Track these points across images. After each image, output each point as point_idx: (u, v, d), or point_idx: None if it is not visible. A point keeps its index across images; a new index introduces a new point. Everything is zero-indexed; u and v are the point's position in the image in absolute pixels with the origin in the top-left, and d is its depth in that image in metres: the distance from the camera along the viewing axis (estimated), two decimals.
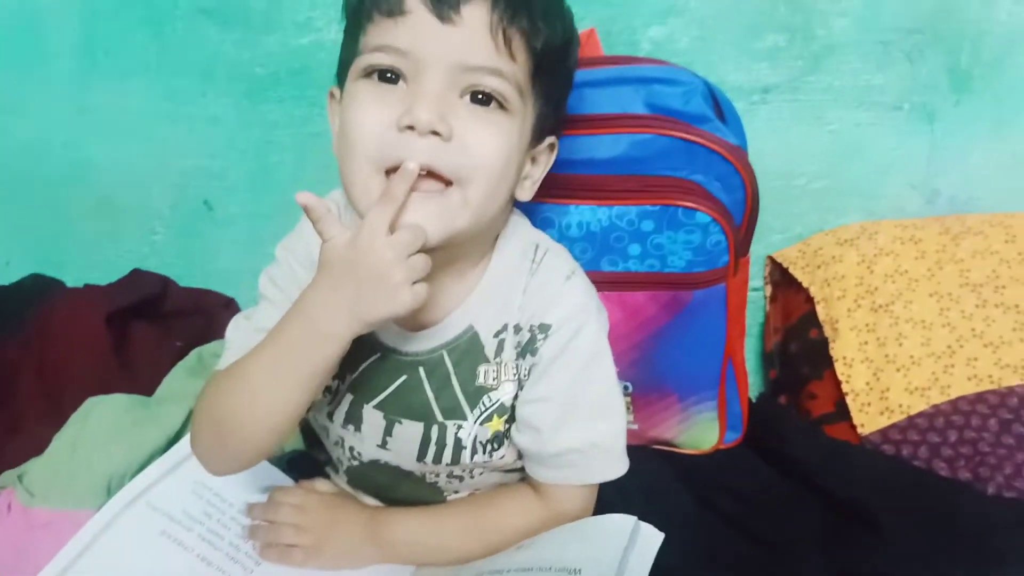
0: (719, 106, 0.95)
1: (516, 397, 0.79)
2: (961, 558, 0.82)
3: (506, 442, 0.81)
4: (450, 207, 0.67)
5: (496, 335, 0.78)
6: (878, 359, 1.03)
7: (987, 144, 1.17)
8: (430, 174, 0.66)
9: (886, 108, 1.16)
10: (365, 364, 0.79)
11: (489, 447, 0.80)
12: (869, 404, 1.01)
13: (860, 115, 1.17)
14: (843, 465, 0.97)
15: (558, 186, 0.87)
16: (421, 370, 0.78)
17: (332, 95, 0.75)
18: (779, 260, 1.18)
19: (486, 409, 0.79)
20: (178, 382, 1.08)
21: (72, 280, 1.33)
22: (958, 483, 0.93)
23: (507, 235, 0.79)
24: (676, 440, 1.05)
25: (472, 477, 0.84)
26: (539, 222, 0.87)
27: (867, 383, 1.02)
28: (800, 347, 1.13)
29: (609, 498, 0.81)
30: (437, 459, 0.80)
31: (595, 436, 0.78)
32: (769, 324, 1.21)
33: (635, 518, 0.75)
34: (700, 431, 1.04)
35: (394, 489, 0.85)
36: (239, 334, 0.77)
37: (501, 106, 0.68)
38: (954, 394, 0.98)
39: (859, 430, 1.01)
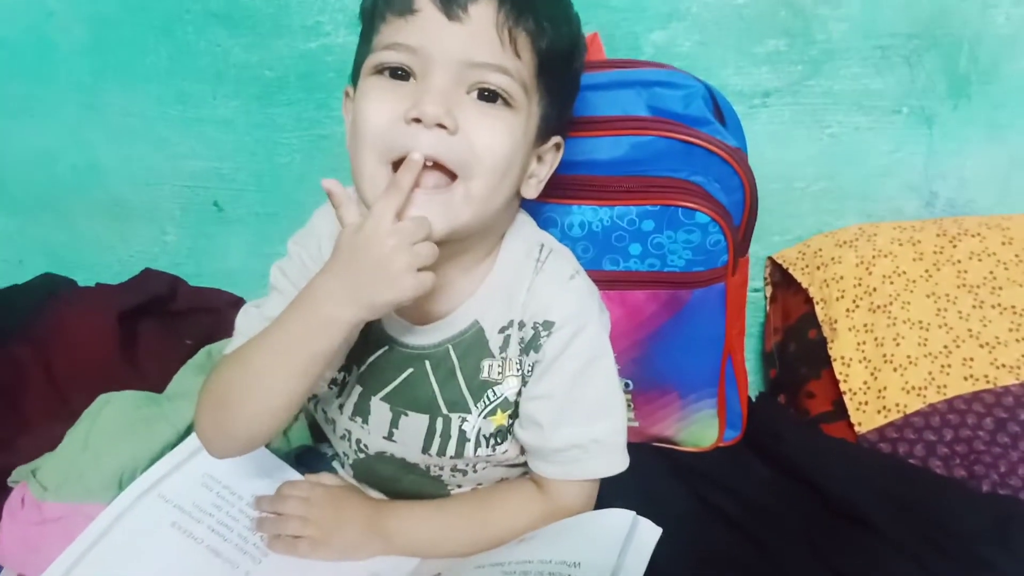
0: (719, 109, 0.96)
1: (519, 393, 0.81)
2: (955, 555, 0.84)
3: (509, 437, 0.83)
4: (453, 202, 0.69)
5: (501, 331, 0.79)
6: (876, 359, 1.04)
7: (984, 148, 1.18)
8: (436, 166, 0.68)
9: (885, 112, 1.17)
10: (373, 357, 0.81)
11: (492, 441, 0.82)
12: (866, 403, 1.02)
13: (859, 119, 1.18)
14: (840, 463, 0.97)
15: (561, 186, 0.88)
16: (427, 363, 0.80)
17: (347, 94, 0.78)
18: (779, 261, 1.19)
19: (490, 403, 0.80)
20: (187, 380, 1.09)
21: (84, 279, 1.35)
22: (952, 481, 0.94)
23: (513, 233, 0.81)
24: (676, 437, 1.06)
25: (475, 471, 0.85)
26: (542, 222, 0.89)
27: (864, 382, 1.03)
28: (799, 347, 1.14)
29: (607, 494, 0.83)
30: (442, 451, 0.81)
31: (596, 433, 0.79)
32: (769, 324, 1.22)
33: (633, 513, 0.77)
34: (700, 429, 1.05)
35: (399, 482, 0.86)
36: (248, 322, 0.80)
37: (506, 103, 0.70)
38: (950, 393, 0.99)
39: (856, 429, 1.02)
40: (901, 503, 0.89)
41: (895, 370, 1.02)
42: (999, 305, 1.03)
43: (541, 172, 0.79)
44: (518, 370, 0.80)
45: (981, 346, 1.01)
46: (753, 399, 1.14)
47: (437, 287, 0.72)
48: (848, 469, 0.96)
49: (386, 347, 0.81)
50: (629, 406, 1.02)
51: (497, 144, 0.70)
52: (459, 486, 0.87)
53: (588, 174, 0.92)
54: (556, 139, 0.79)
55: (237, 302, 1.31)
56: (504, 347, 0.80)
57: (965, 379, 1.00)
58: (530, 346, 0.79)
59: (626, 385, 0.99)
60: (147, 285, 1.28)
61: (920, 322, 1.04)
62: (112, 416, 0.97)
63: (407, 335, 0.80)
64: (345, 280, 0.68)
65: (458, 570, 0.77)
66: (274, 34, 1.22)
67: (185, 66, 1.26)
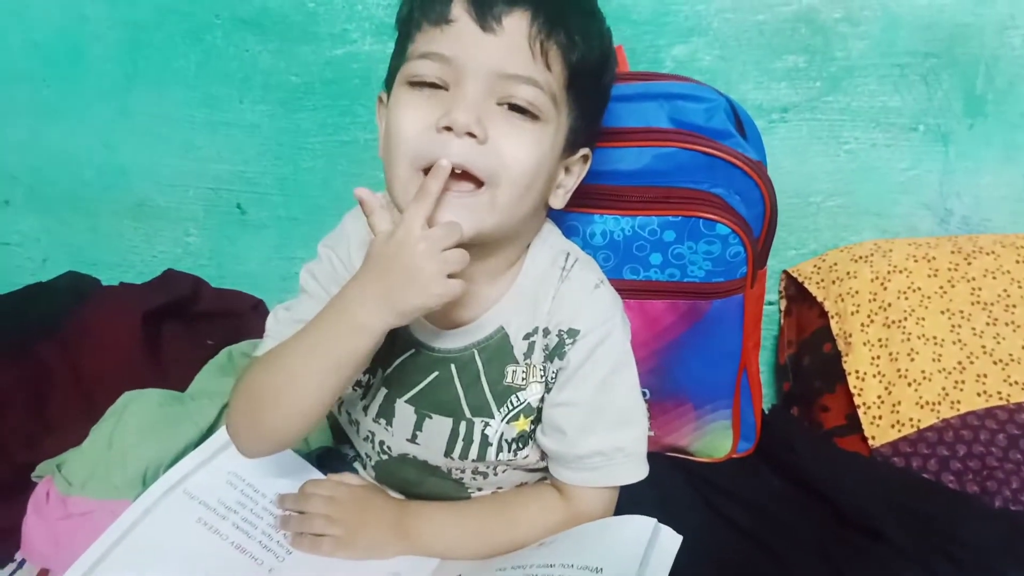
0: (740, 122, 0.97)
1: (542, 399, 0.82)
2: (969, 569, 0.84)
3: (531, 442, 0.84)
4: (479, 207, 0.71)
5: (526, 337, 0.81)
6: (890, 373, 1.05)
7: (999, 167, 1.19)
8: (464, 175, 0.70)
9: (901, 129, 1.18)
10: (399, 360, 0.83)
11: (515, 445, 0.83)
12: (880, 417, 1.03)
13: (876, 136, 1.19)
14: (854, 477, 0.98)
15: (583, 196, 0.89)
16: (452, 367, 0.81)
17: (381, 100, 0.79)
18: (794, 275, 1.20)
19: (513, 408, 0.82)
20: (209, 380, 1.11)
21: (107, 279, 1.36)
22: (965, 496, 0.94)
23: (539, 242, 0.83)
24: (690, 448, 1.07)
25: (496, 475, 0.86)
26: (565, 230, 0.90)
27: (879, 397, 1.04)
28: (813, 360, 1.15)
29: (624, 502, 0.84)
30: (464, 455, 0.82)
31: (619, 441, 0.80)
32: (783, 337, 1.23)
33: (655, 520, 0.77)
34: (714, 440, 1.06)
35: (420, 485, 0.88)
36: (278, 325, 0.82)
37: (535, 115, 0.71)
38: (964, 409, 1.00)
39: (870, 443, 1.02)
40: (914, 516, 0.90)
41: (909, 385, 1.03)
42: (1013, 323, 1.04)
43: (568, 183, 0.80)
44: (542, 377, 0.82)
45: (995, 363, 1.02)
46: (767, 412, 1.15)
47: (464, 293, 0.73)
48: (861, 482, 0.96)
49: (412, 350, 0.82)
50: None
51: (524, 155, 0.71)
52: (479, 489, 0.88)
53: (611, 184, 0.94)
54: (584, 151, 0.80)
55: (258, 304, 1.33)
56: (529, 353, 0.81)
57: (978, 395, 1.00)
58: (555, 353, 0.80)
59: (643, 394, 1.00)
60: (170, 286, 1.29)
61: (934, 338, 1.05)
62: (136, 414, 0.99)
63: (434, 339, 0.81)
64: (377, 286, 0.70)
65: (479, 572, 0.78)
66: (301, 41, 1.24)
67: (213, 71, 1.28)
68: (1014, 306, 1.05)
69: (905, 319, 1.07)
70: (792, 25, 1.15)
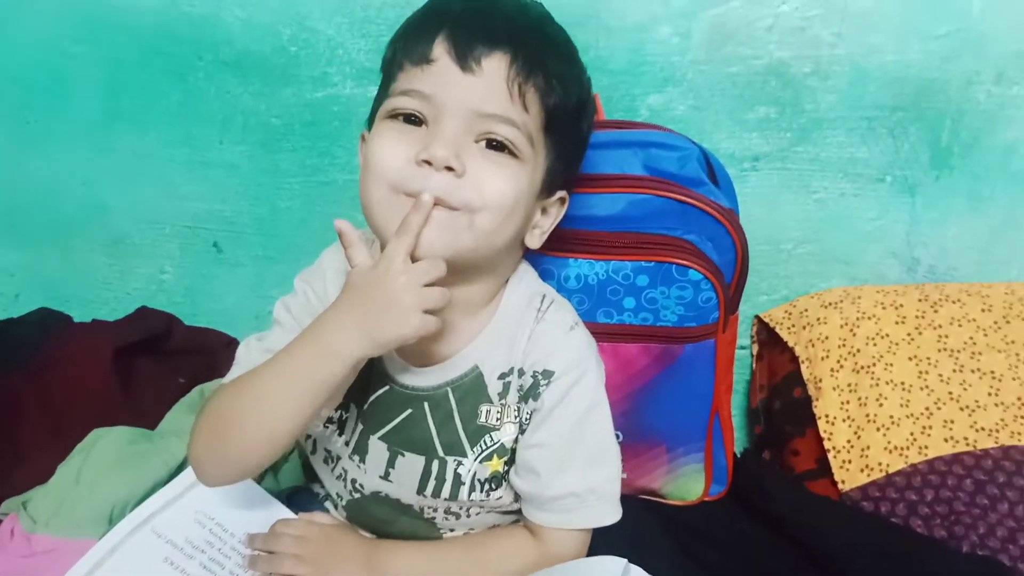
0: (713, 171, 0.99)
1: (516, 440, 0.82)
2: None
3: (504, 483, 0.84)
4: (455, 226, 0.71)
5: (501, 377, 0.81)
6: (859, 418, 1.06)
7: (965, 218, 1.22)
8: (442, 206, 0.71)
9: (869, 180, 1.21)
10: (373, 396, 0.83)
11: (488, 486, 0.83)
12: (850, 462, 1.04)
13: (844, 185, 1.22)
14: (824, 520, 0.99)
15: (559, 240, 0.91)
16: (426, 405, 0.81)
17: (363, 138, 0.80)
18: (766, 320, 1.22)
19: (486, 448, 0.82)
20: (180, 418, 1.10)
21: (80, 315, 1.35)
22: (934, 540, 0.95)
23: (516, 281, 0.84)
24: (663, 490, 1.07)
25: (468, 516, 0.86)
26: (540, 273, 0.90)
27: (848, 441, 1.05)
28: (784, 405, 1.16)
29: (596, 545, 0.84)
30: (436, 493, 0.82)
31: (592, 482, 0.81)
32: (755, 381, 1.24)
33: (625, 560, 0.77)
34: (686, 482, 1.06)
35: (392, 524, 0.87)
36: (249, 353, 0.82)
37: (512, 153, 0.73)
38: (931, 454, 1.01)
39: (840, 486, 1.03)
40: (886, 560, 0.91)
41: (878, 430, 1.04)
42: (979, 370, 1.06)
43: (545, 224, 0.82)
44: (516, 417, 0.82)
45: (961, 409, 1.03)
46: (738, 455, 1.16)
47: (439, 330, 0.74)
48: (833, 525, 0.97)
49: (387, 387, 0.82)
50: None
51: (502, 189, 0.72)
52: (452, 530, 0.88)
53: (586, 229, 0.95)
54: (561, 193, 0.82)
55: (231, 343, 1.32)
56: (503, 394, 0.81)
57: (945, 440, 1.02)
58: (529, 394, 0.80)
59: (616, 436, 1.01)
60: (144, 322, 1.28)
61: (902, 384, 1.06)
62: (104, 451, 0.98)
63: (407, 376, 0.82)
64: (354, 314, 0.70)
65: None
66: (282, 83, 1.25)
67: (194, 111, 1.28)
68: (980, 353, 1.07)
69: (874, 365, 1.08)
70: (763, 78, 1.18)
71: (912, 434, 1.03)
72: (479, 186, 0.71)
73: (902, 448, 1.02)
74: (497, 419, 0.82)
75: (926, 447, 1.02)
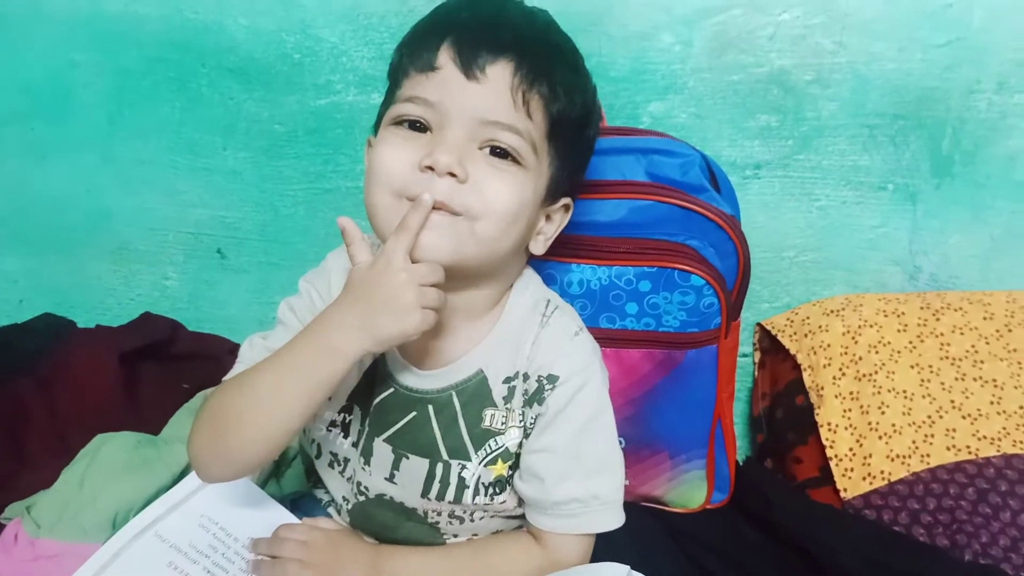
0: (715, 177, 1.00)
1: (521, 444, 0.83)
2: None
3: (508, 488, 0.84)
4: (459, 232, 0.72)
5: (506, 381, 0.81)
6: (861, 426, 1.06)
7: (966, 226, 1.22)
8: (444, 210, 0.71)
9: (871, 188, 1.21)
10: (378, 399, 0.83)
11: (492, 490, 0.83)
12: (852, 470, 1.04)
13: (846, 194, 1.22)
14: (826, 528, 0.98)
15: (562, 245, 0.91)
16: (430, 408, 0.82)
17: (369, 143, 0.81)
18: (768, 328, 1.22)
19: (491, 452, 0.82)
20: (183, 423, 1.10)
21: (83, 321, 1.36)
22: (936, 549, 0.95)
23: (520, 287, 0.84)
24: (665, 497, 1.07)
25: (472, 520, 0.86)
26: (543, 278, 0.90)
27: (850, 449, 1.05)
28: (786, 413, 1.16)
29: (599, 551, 0.84)
30: (440, 496, 0.82)
31: (596, 488, 0.81)
32: (757, 389, 1.24)
33: (628, 567, 0.78)
34: (688, 490, 1.06)
35: (396, 529, 0.87)
36: (252, 351, 0.83)
37: (516, 160, 0.73)
38: (933, 463, 1.01)
39: (842, 495, 1.03)
40: (888, 569, 0.91)
41: (880, 438, 1.04)
42: (980, 378, 1.06)
43: (549, 230, 0.82)
44: (520, 422, 0.82)
45: (963, 417, 1.03)
46: (740, 463, 1.16)
47: (444, 333, 0.74)
48: (836, 534, 0.97)
49: (391, 390, 0.83)
50: None
51: (507, 193, 0.73)
52: (455, 536, 0.88)
53: (588, 235, 0.96)
54: (565, 200, 0.82)
55: (235, 349, 1.32)
56: (508, 398, 0.82)
57: (948, 449, 1.02)
58: (534, 399, 0.81)
59: (619, 442, 1.01)
60: (147, 328, 1.29)
61: (904, 392, 1.06)
62: (108, 456, 0.98)
63: (412, 379, 0.82)
64: (354, 311, 0.71)
65: None
66: (286, 90, 1.26)
67: (198, 118, 1.29)
68: (982, 362, 1.07)
69: (876, 373, 1.08)
70: (765, 86, 1.18)
71: (914, 442, 1.03)
72: (482, 192, 0.72)
73: (904, 456, 1.02)
74: (502, 423, 0.82)
75: (928, 455, 1.02)
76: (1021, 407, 1.03)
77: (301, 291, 0.86)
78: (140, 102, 1.30)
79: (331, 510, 0.93)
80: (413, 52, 0.75)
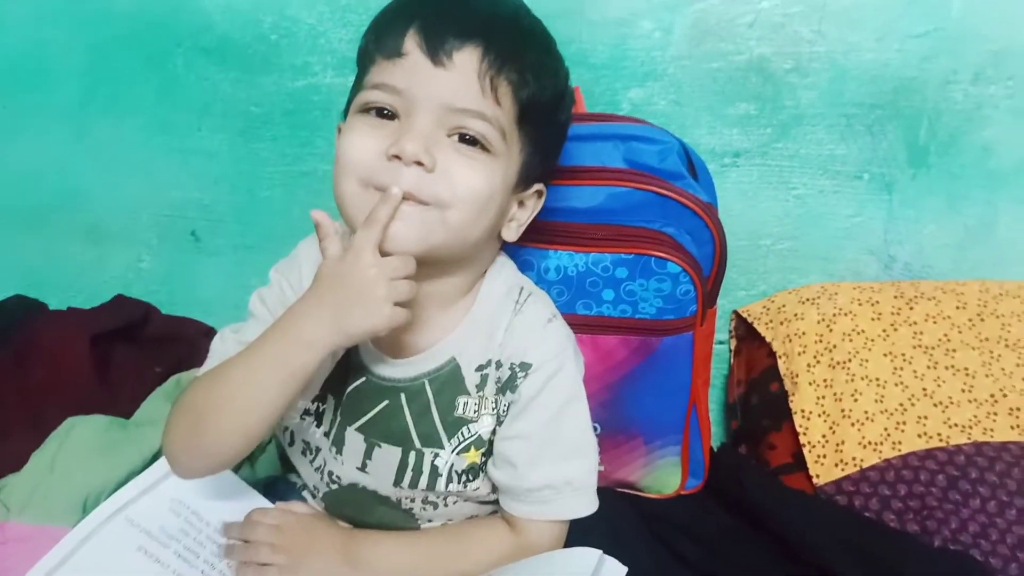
0: (692, 165, 1.00)
1: (494, 432, 0.82)
2: None
3: (481, 474, 0.84)
4: (428, 221, 0.71)
5: (479, 369, 0.81)
6: (834, 413, 1.06)
7: (941, 216, 1.23)
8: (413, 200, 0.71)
9: (847, 177, 1.22)
10: (350, 388, 0.82)
11: (465, 477, 0.83)
12: (824, 456, 1.05)
13: (823, 182, 1.22)
14: (799, 513, 0.99)
15: (538, 231, 0.91)
16: (402, 396, 0.81)
17: (339, 129, 0.80)
18: (744, 315, 1.23)
19: (464, 440, 0.82)
20: (156, 407, 1.09)
21: (55, 302, 1.34)
22: (906, 535, 0.95)
23: (493, 274, 0.84)
24: (640, 483, 1.08)
25: (446, 506, 0.86)
26: (519, 264, 0.91)
27: (823, 436, 1.06)
28: (761, 399, 1.16)
29: (573, 537, 0.84)
30: (413, 484, 0.82)
31: (569, 474, 0.81)
32: (732, 376, 1.25)
33: (600, 551, 0.78)
34: (663, 475, 1.07)
35: (370, 515, 0.87)
36: (223, 345, 0.82)
37: (484, 147, 0.73)
38: (905, 450, 1.01)
39: (814, 480, 1.04)
40: (861, 552, 0.91)
41: (852, 425, 1.05)
42: (952, 367, 1.07)
43: (522, 216, 0.82)
44: (493, 409, 0.82)
45: (935, 405, 1.04)
46: (715, 449, 1.16)
47: (416, 322, 0.74)
48: (808, 519, 0.97)
49: (363, 378, 0.82)
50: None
51: (474, 183, 0.72)
52: (430, 520, 0.88)
53: (566, 221, 0.95)
54: (538, 186, 0.82)
55: (209, 332, 1.31)
56: (481, 386, 0.82)
57: (919, 436, 1.02)
58: (507, 386, 0.80)
59: (594, 428, 1.01)
60: (121, 311, 1.27)
61: (877, 379, 1.07)
62: (79, 439, 0.97)
63: (384, 367, 0.82)
64: (325, 305, 0.70)
65: None
66: (263, 71, 1.25)
67: (173, 98, 1.28)
68: (954, 350, 1.08)
69: (849, 360, 1.09)
70: (744, 74, 1.18)
71: (886, 429, 1.03)
72: (450, 181, 0.71)
73: (876, 443, 1.03)
74: (475, 411, 0.82)
75: (900, 443, 1.02)
76: (992, 395, 1.04)
77: (272, 282, 0.85)
78: (114, 80, 1.28)
79: (305, 494, 0.92)
80: (379, 38, 0.74)
